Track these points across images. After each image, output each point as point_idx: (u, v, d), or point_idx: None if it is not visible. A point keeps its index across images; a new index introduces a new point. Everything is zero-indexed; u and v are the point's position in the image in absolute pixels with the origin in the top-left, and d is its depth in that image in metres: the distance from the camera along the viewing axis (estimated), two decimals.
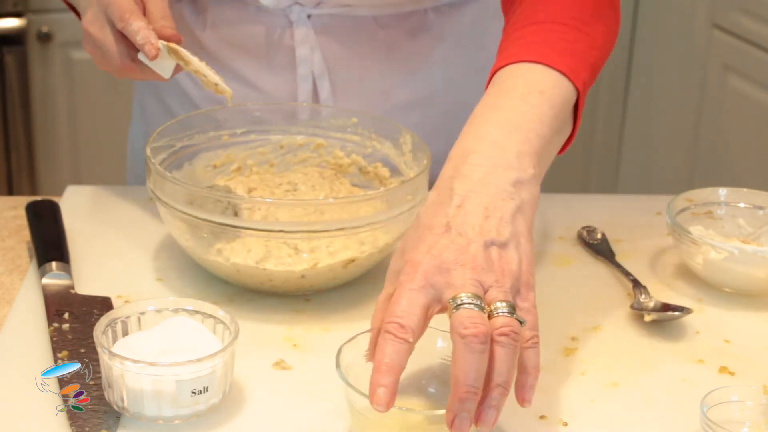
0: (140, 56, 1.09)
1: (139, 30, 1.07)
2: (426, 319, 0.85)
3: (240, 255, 1.07)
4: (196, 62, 1.09)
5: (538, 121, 0.95)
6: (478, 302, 0.84)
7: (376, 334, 0.86)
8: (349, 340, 0.90)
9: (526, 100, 0.96)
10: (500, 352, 0.83)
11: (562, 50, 1.00)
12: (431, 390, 0.93)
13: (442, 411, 0.83)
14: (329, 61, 1.28)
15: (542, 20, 1.03)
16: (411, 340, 0.83)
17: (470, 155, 0.92)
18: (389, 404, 0.81)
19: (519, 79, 0.98)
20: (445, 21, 1.31)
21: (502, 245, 0.87)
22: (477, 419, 0.83)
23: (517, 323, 0.84)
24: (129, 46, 1.10)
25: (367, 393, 0.83)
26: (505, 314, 0.84)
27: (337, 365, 0.87)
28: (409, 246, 0.88)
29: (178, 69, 1.11)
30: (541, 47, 1.00)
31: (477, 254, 0.86)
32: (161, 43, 1.08)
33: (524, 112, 0.95)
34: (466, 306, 0.83)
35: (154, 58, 1.07)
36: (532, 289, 0.88)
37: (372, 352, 0.87)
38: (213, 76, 1.09)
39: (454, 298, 0.84)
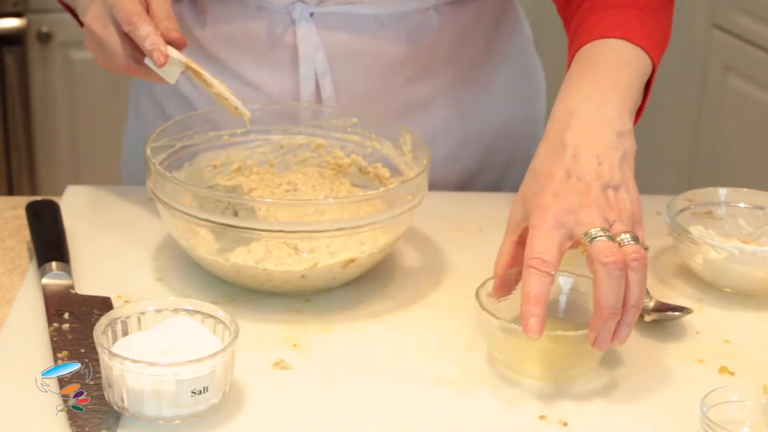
0: (147, 61, 1.09)
1: (148, 36, 1.07)
2: (561, 254, 0.97)
3: (240, 255, 1.07)
4: (217, 85, 1.10)
5: (628, 86, 1.06)
6: (609, 234, 0.96)
7: (500, 280, 1.01)
8: (482, 285, 1.02)
9: (617, 68, 1.07)
10: (633, 276, 0.95)
11: (640, 29, 1.10)
12: (560, 316, 1.05)
13: (584, 332, 0.95)
14: (331, 60, 1.28)
15: (618, 5, 1.13)
16: (552, 272, 0.95)
17: (576, 112, 1.03)
18: (541, 331, 0.93)
19: (608, 51, 1.09)
20: (447, 21, 1.31)
21: (616, 187, 0.98)
22: (613, 336, 0.95)
23: (644, 250, 0.96)
24: (135, 48, 1.10)
25: (508, 322, 0.97)
26: (632, 242, 0.96)
27: (480, 304, 0.99)
28: (531, 194, 1.00)
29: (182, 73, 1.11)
30: (622, 26, 1.10)
31: (598, 195, 0.98)
32: (175, 54, 1.08)
33: (617, 78, 1.06)
34: (600, 238, 0.95)
35: (162, 65, 1.07)
36: (642, 226, 0.99)
37: (497, 293, 1.02)
38: (234, 99, 1.11)
39: (587, 233, 0.96)
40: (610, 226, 0.97)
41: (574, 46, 1.12)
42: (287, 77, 1.29)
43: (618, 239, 0.96)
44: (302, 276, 1.08)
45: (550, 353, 0.99)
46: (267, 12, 1.28)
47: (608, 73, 1.06)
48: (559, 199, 0.98)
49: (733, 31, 2.49)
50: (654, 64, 1.10)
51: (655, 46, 1.11)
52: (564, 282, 1.05)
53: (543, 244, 0.96)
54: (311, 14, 1.27)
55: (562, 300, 1.05)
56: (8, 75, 2.59)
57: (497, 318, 0.98)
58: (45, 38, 2.60)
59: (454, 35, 1.32)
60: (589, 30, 1.11)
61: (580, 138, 1.01)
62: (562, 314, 1.05)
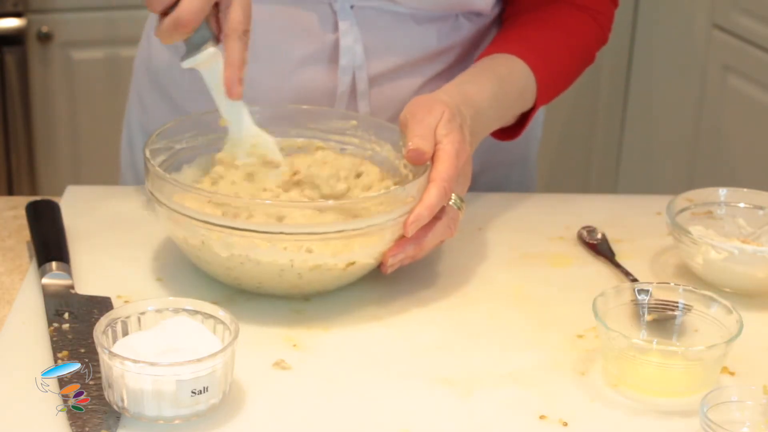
0: (191, 60, 1.10)
1: (233, 62, 1.08)
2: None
3: (240, 256, 1.07)
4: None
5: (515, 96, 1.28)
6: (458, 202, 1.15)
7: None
8: (600, 296, 1.04)
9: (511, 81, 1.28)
10: (437, 224, 1.12)
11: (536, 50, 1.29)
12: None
13: (701, 347, 0.99)
14: (367, 53, 1.30)
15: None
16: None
17: (480, 109, 1.22)
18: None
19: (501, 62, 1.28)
20: (475, 28, 1.34)
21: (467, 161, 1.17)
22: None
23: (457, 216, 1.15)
24: (210, 17, 1.09)
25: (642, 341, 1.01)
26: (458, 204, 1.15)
27: (603, 324, 1.00)
28: (443, 134, 1.15)
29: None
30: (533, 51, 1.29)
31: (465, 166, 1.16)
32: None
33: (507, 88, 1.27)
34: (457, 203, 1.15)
35: (233, 97, 1.10)
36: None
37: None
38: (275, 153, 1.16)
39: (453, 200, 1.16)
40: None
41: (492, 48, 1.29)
42: (326, 69, 1.30)
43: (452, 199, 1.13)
44: (302, 276, 1.08)
45: (671, 371, 0.99)
46: (310, 3, 1.29)
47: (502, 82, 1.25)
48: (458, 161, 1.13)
49: (733, 31, 2.48)
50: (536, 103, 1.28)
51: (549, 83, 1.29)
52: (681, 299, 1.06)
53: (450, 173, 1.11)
54: (351, 7, 1.28)
55: (678, 318, 1.05)
56: (8, 75, 2.59)
57: (612, 330, 0.98)
58: (45, 38, 2.60)
59: (473, 39, 1.35)
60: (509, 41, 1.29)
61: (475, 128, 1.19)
62: (677, 329, 1.05)
